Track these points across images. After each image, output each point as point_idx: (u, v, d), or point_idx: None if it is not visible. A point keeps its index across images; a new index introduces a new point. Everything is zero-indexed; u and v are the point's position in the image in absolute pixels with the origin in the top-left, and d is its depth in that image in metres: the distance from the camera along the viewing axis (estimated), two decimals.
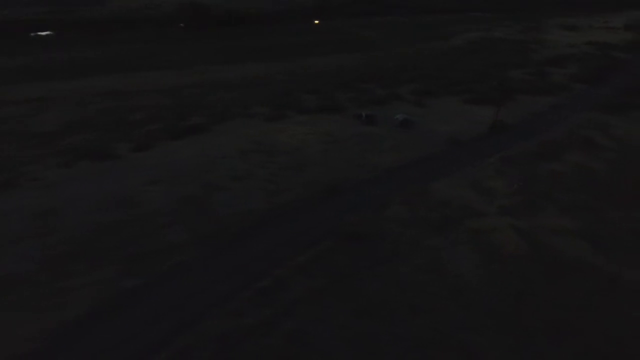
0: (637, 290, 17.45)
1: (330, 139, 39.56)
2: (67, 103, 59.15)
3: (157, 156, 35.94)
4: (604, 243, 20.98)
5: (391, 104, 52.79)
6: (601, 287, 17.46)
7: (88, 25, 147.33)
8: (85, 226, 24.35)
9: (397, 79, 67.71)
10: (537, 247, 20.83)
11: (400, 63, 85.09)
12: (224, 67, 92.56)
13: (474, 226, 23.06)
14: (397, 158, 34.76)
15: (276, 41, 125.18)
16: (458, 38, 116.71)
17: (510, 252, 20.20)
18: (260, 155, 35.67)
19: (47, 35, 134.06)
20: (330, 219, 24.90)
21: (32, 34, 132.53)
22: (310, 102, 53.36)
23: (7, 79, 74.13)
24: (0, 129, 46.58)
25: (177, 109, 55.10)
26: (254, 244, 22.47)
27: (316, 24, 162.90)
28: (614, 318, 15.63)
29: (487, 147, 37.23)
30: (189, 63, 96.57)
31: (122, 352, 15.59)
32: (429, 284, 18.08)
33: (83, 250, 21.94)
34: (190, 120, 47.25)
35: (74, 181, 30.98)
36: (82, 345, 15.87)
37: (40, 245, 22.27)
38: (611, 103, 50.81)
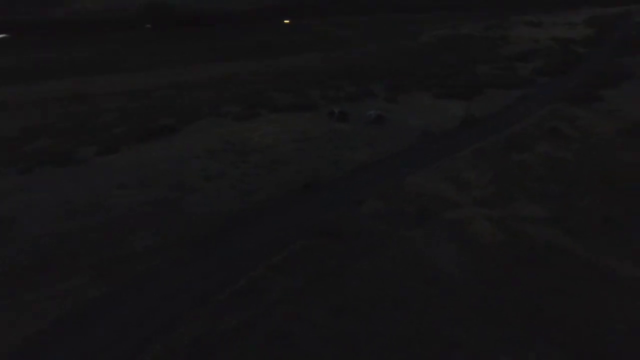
0: (608, 273, 17.77)
1: (303, 136, 39.10)
2: (28, 107, 56.29)
3: (125, 159, 34.54)
4: (575, 229, 21.39)
5: (364, 100, 52.86)
6: (575, 271, 17.73)
7: (49, 28, 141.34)
8: (47, 235, 22.98)
9: (369, 76, 67.99)
10: (512, 235, 21.01)
11: (371, 60, 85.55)
12: (193, 67, 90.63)
13: (450, 217, 23.10)
14: (372, 154, 34.66)
15: (246, 41, 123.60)
16: (427, 35, 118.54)
17: (486, 242, 20.28)
18: (232, 154, 34.84)
19: (2, 38, 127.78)
20: (306, 217, 24.45)
21: None
22: (282, 100, 52.77)
23: None
24: None
25: (145, 111, 53.38)
26: (228, 245, 21.75)
27: (286, 23, 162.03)
28: (589, 301, 15.83)
29: (460, 140, 37.67)
30: (156, 64, 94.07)
31: None
32: (409, 277, 17.89)
33: (46, 260, 20.64)
34: (159, 121, 45.79)
35: (35, 187, 29.32)
36: None
37: None
38: (575, 95, 52.53)
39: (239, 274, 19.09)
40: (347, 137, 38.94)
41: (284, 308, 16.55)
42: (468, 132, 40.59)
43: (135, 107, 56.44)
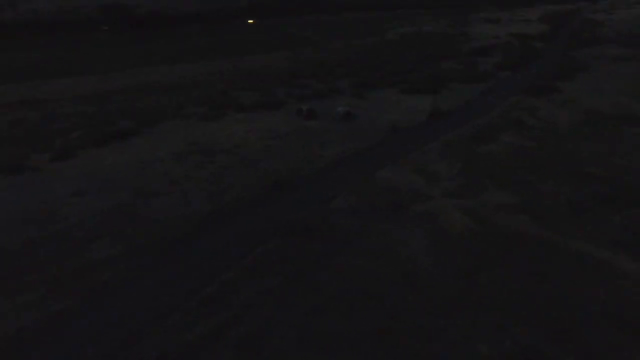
0: (578, 257, 18.07)
1: (272, 135, 38.29)
2: None
3: (81, 165, 32.60)
4: (543, 215, 21.71)
5: (331, 97, 52.58)
6: (547, 257, 17.93)
7: None
8: None
9: (336, 74, 67.87)
10: (483, 224, 21.10)
11: (338, 58, 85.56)
12: (154, 69, 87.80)
13: (422, 209, 23.00)
14: (342, 149, 34.31)
15: (209, 41, 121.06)
16: (391, 33, 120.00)
17: (459, 232, 20.25)
18: (198, 156, 33.58)
19: None
20: (278, 216, 23.74)
21: None
22: (248, 99, 51.67)
23: None
24: None
25: (104, 115, 50.91)
26: (196, 249, 20.73)
27: (250, 23, 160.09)
28: (563, 285, 15.97)
29: (428, 134, 37.95)
30: (115, 67, 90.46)
31: None
32: (383, 271, 17.55)
33: None
34: (119, 125, 43.69)
35: None
36: None
37: None
38: (534, 87, 54.25)
39: (209, 279, 18.17)
40: (316, 134, 38.44)
41: (258, 312, 15.80)
42: (435, 125, 41.01)
43: (93, 111, 53.79)
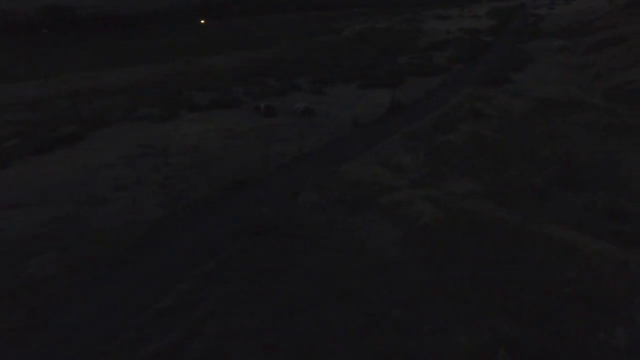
0: (542, 238, 18.02)
1: (230, 133, 36.66)
2: None
3: (18, 174, 29.59)
4: (507, 200, 21.71)
5: (290, 94, 51.49)
6: (517, 241, 17.77)
7: None
8: None
9: (294, 71, 66.79)
10: (450, 212, 20.78)
11: (295, 56, 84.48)
12: (101, 72, 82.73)
13: (389, 201, 22.41)
14: (303, 146, 33.28)
15: (159, 42, 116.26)
16: (347, 31, 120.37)
17: (427, 221, 19.79)
18: (151, 158, 31.43)
19: None
20: (241, 216, 22.39)
21: None
22: (204, 99, 49.51)
23: None
24: None
25: (45, 121, 46.98)
26: (148, 259, 19.00)
27: (203, 23, 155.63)
28: (537, 268, 15.77)
29: (389, 127, 37.74)
30: (58, 71, 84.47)
31: None
32: (354, 267, 16.69)
33: None
34: (63, 130, 40.38)
35: None
36: None
37: None
38: (487, 78, 55.74)
39: (165, 290, 16.57)
40: (276, 131, 37.21)
41: (221, 321, 14.46)
42: (396, 118, 40.94)
43: (32, 117, 49.57)
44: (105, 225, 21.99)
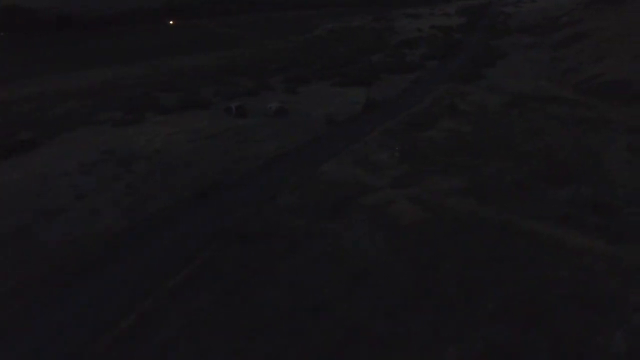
0: (527, 235, 17.23)
1: (199, 136, 34.77)
2: None
3: None
4: (490, 197, 20.93)
5: (262, 94, 49.83)
6: (498, 238, 16.98)
7: None
8: None
9: (266, 70, 65.10)
10: (432, 211, 19.83)
11: (267, 56, 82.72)
12: (65, 74, 78.83)
13: (369, 202, 21.30)
14: (278, 146, 31.83)
15: (126, 43, 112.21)
16: (320, 30, 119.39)
17: (409, 222, 18.75)
18: (113, 165, 29.28)
19: None
20: (211, 223, 20.80)
21: None
22: (172, 100, 47.26)
23: None
24: None
25: (3, 126, 43.75)
26: (107, 275, 17.19)
27: (171, 24, 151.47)
28: (524, 268, 14.90)
29: (365, 124, 36.69)
30: (17, 75, 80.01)
31: None
32: (332, 275, 15.44)
33: None
34: (20, 136, 37.51)
35: None
36: None
37: None
38: (462, 75, 55.60)
39: (126, 309, 14.87)
40: (248, 132, 35.55)
41: (184, 346, 12.92)
42: (372, 116, 39.93)
43: None
44: (60, 238, 19.91)
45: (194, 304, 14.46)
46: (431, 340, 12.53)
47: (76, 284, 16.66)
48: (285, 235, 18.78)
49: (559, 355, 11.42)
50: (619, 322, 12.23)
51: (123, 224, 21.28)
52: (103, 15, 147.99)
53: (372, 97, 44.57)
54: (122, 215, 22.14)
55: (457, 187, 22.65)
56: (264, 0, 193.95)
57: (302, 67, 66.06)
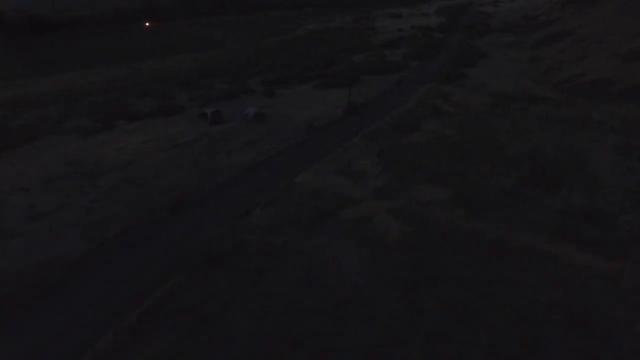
0: (520, 251, 15.99)
1: (172, 144, 32.83)
2: None
3: None
4: (479, 207, 19.70)
5: (240, 98, 47.98)
6: (489, 256, 15.68)
7: None
8: None
9: (245, 73, 63.16)
10: (419, 225, 18.47)
11: (246, 57, 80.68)
12: (34, 79, 75.39)
13: (351, 217, 19.85)
14: (255, 155, 30.16)
15: (100, 46, 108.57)
16: (300, 30, 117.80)
17: (394, 239, 17.38)
18: (77, 179, 27.18)
19: None
20: (179, 244, 19.06)
21: None
22: (144, 106, 45.07)
23: None
24: None
25: None
26: (59, 311, 15.33)
27: (147, 26, 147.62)
28: (519, 290, 13.66)
29: (347, 128, 35.32)
30: None
31: None
32: (311, 303, 13.98)
33: None
34: None
35: None
36: None
37: None
38: (443, 75, 54.83)
39: (78, 350, 13.08)
40: (224, 139, 33.75)
41: None
42: (354, 119, 38.59)
43: None
44: (9, 266, 17.92)
45: (153, 347, 12.76)
46: None
47: (21, 321, 14.75)
48: (259, 256, 17.21)
49: None
50: (625, 355, 11.06)
51: (83, 247, 19.36)
52: (77, 17, 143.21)
53: (354, 100, 43.28)
54: (82, 238, 20.20)
55: (444, 197, 21.42)
56: (243, 1, 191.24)
57: (282, 68, 64.34)
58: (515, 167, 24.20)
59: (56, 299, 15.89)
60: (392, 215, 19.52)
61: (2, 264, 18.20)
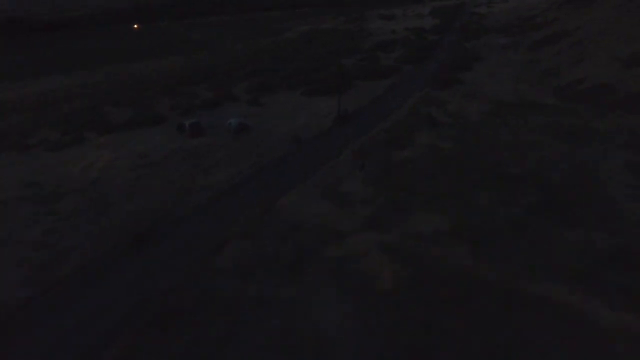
0: (536, 304, 13.44)
1: (143, 161, 29.96)
2: None
3: None
4: (482, 241, 17.07)
5: (224, 106, 45.14)
6: (499, 310, 13.20)
7: None
8: None
9: (230, 78, 60.30)
10: (416, 267, 15.84)
11: (234, 61, 77.79)
12: (11, 84, 72.05)
13: (336, 254, 17.20)
14: (233, 174, 27.40)
15: (85, 49, 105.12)
16: (290, 32, 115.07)
17: (386, 286, 14.69)
18: (34, 203, 24.27)
19: None
20: (138, 288, 16.31)
21: None
22: (119, 116, 42.11)
23: None
24: None
25: None
26: None
27: (136, 28, 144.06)
28: (527, 354, 11.00)
29: (336, 142, 32.63)
30: None
31: None
32: None
33: None
34: None
35: None
36: None
37: None
38: (437, 79, 52.41)
39: None
40: (202, 155, 30.95)
41: None
42: (343, 130, 35.94)
43: None
44: None
45: None
46: None
47: None
48: (227, 310, 14.50)
49: None
50: None
51: (24, 293, 16.52)
52: (62, 19, 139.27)
53: (344, 109, 40.66)
54: (26, 281, 17.36)
55: (443, 228, 18.83)
56: (236, 2, 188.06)
57: (269, 73, 61.55)
58: (522, 191, 21.68)
59: None
60: (384, 253, 16.90)
61: None
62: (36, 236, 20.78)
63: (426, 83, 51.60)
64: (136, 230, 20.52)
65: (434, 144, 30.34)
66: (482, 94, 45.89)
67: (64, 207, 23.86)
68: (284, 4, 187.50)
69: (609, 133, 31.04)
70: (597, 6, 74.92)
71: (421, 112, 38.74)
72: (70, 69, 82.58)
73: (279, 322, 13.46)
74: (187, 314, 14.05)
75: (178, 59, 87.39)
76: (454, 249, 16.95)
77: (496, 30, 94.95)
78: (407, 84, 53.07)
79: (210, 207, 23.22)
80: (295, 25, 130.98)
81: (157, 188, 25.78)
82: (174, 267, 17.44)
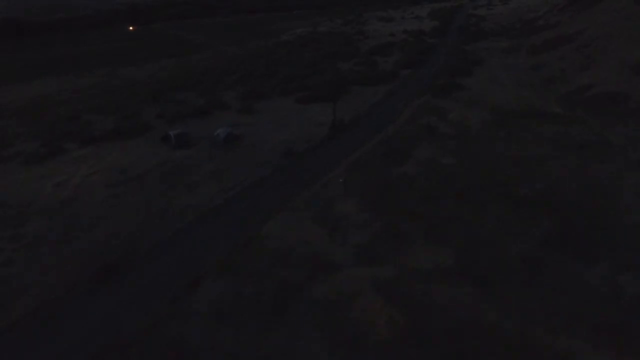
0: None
1: (122, 177, 27.78)
2: None
3: None
4: (491, 282, 15.02)
5: (214, 114, 42.93)
6: None
7: None
8: None
9: (222, 83, 58.07)
10: (414, 313, 13.81)
11: (226, 64, 75.67)
12: (8, 87, 69.80)
13: (325, 294, 15.10)
14: (217, 192, 25.24)
15: (77, 52, 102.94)
16: (286, 34, 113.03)
17: (382, 337, 12.67)
18: None
19: None
20: (99, 336, 14.17)
21: None
22: (102, 125, 39.90)
23: None
24: None
25: None
26: None
27: (131, 30, 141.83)
28: None
29: (330, 155, 30.48)
30: None
31: None
32: None
33: None
34: None
35: None
36: None
37: None
38: (436, 85, 50.35)
39: None
40: (186, 169, 28.78)
41: None
42: (338, 142, 33.82)
43: None
44: None
45: None
46: None
47: None
48: None
49: None
50: None
51: None
52: (55, 20, 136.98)
53: (340, 117, 38.56)
54: None
55: (446, 263, 16.73)
56: (232, 3, 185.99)
57: (262, 78, 59.39)
58: (533, 217, 19.56)
59: None
60: (378, 294, 14.79)
61: None
62: None
63: (425, 89, 49.52)
64: (104, 261, 18.38)
65: (435, 159, 28.22)
66: (484, 102, 43.81)
67: (29, 231, 21.73)
68: (281, 6, 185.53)
69: (621, 147, 29.01)
70: (600, 9, 72.99)
71: (420, 121, 36.66)
72: (63, 72, 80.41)
73: None
74: None
75: (171, 62, 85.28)
76: (459, 290, 14.86)
77: (496, 33, 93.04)
78: (406, 90, 51.01)
79: (189, 233, 21.09)
80: (292, 27, 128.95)
81: (133, 209, 23.65)
82: (141, 308, 15.31)
